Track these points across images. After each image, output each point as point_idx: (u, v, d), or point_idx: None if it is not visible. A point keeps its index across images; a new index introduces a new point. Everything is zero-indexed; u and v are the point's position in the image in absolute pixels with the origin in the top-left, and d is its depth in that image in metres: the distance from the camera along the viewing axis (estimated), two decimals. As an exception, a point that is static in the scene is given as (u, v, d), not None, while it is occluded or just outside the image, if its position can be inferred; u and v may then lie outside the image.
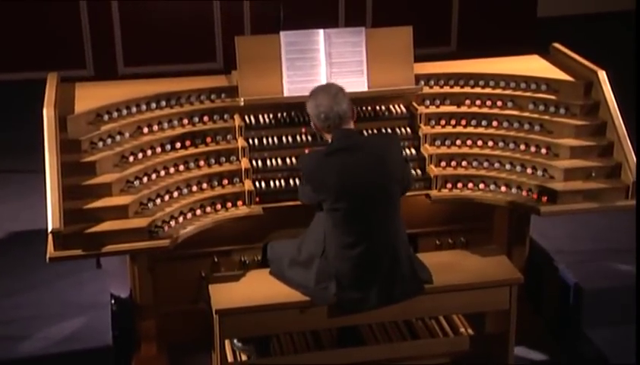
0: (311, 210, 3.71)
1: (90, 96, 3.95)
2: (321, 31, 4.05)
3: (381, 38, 4.10)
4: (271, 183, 3.92)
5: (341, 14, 7.81)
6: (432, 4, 7.98)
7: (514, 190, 3.92)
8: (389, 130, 4.09)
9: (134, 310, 4.02)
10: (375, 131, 4.09)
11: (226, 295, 3.66)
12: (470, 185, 3.99)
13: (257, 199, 3.87)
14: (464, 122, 4.14)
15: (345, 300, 3.59)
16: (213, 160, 3.93)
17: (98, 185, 3.63)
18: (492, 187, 3.96)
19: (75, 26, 7.39)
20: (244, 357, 3.93)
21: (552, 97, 4.13)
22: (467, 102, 4.21)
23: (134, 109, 3.93)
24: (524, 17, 8.24)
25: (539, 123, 4.06)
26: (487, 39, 7.75)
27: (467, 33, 8.07)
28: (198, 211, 3.78)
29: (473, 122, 4.15)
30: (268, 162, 3.98)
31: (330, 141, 3.60)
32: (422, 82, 4.21)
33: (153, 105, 3.97)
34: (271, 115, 4.06)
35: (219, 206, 3.83)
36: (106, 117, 3.85)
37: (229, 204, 3.84)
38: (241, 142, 3.97)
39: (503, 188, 3.94)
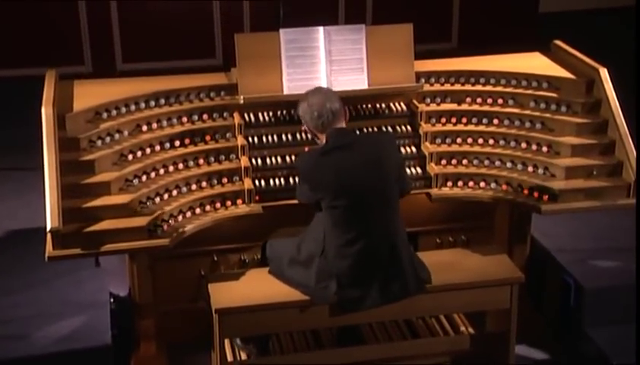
0: (311, 208, 3.70)
1: (88, 94, 3.93)
2: (321, 28, 4.03)
3: (381, 35, 4.08)
4: (271, 181, 3.91)
5: (341, 12, 7.79)
6: (432, 0, 7.96)
7: (515, 188, 3.90)
8: (389, 128, 4.08)
9: (133, 309, 4.01)
10: (376, 129, 4.07)
11: (225, 294, 3.64)
12: (471, 183, 3.97)
13: (257, 198, 3.85)
14: (464, 120, 4.12)
15: (345, 299, 3.58)
16: (212, 159, 3.91)
17: (97, 183, 3.62)
18: (492, 185, 3.95)
19: (74, 23, 7.37)
20: (244, 356, 3.91)
21: (554, 95, 4.11)
22: (468, 100, 4.19)
23: (133, 107, 3.91)
24: (525, 12, 8.22)
25: (540, 121, 4.04)
26: (488, 34, 7.74)
27: (468, 29, 8.06)
28: (198, 210, 3.77)
29: (474, 120, 4.13)
30: (268, 160, 3.96)
31: (324, 141, 3.59)
32: (423, 80, 4.18)
33: (153, 103, 3.95)
34: (271, 113, 4.04)
35: (218, 205, 3.81)
36: (104, 115, 3.83)
37: (228, 203, 3.83)
38: (240, 140, 3.95)
39: (504, 187, 3.92)
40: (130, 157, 3.77)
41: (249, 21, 7.59)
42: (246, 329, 3.67)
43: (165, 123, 3.93)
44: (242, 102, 3.99)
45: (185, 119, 3.97)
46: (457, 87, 4.22)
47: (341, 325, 3.86)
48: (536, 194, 3.83)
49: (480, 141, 4.07)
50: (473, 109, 4.15)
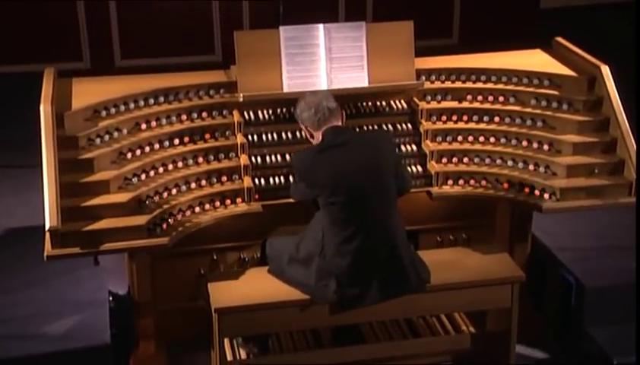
0: (309, 207, 3.68)
1: (87, 92, 3.91)
2: (321, 26, 4.01)
3: (381, 33, 4.06)
4: (271, 180, 3.89)
5: (341, 9, 7.76)
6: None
7: (516, 187, 3.88)
8: (390, 126, 4.06)
9: (132, 308, 4.00)
10: (376, 127, 4.05)
11: (225, 293, 3.63)
12: (472, 181, 3.95)
13: (256, 196, 3.84)
14: (465, 118, 4.10)
15: (345, 297, 3.57)
16: (212, 157, 3.89)
17: (96, 182, 3.60)
18: (493, 184, 3.93)
19: (72, 19, 7.35)
20: (244, 355, 3.90)
21: (555, 93, 4.09)
22: (469, 97, 4.16)
23: (132, 105, 3.89)
24: (526, 8, 8.19)
25: (541, 119, 4.02)
26: (489, 30, 7.72)
27: (469, 24, 8.03)
28: (197, 209, 3.75)
29: (475, 118, 4.11)
30: (268, 158, 3.94)
31: (320, 138, 3.59)
32: (424, 77, 4.16)
33: (152, 101, 3.93)
34: (271, 111, 4.02)
35: (218, 203, 3.79)
36: (103, 113, 3.81)
37: (228, 202, 3.81)
38: (240, 138, 3.93)
39: (505, 185, 3.91)
40: (129, 155, 3.75)
41: (248, 16, 7.57)
42: (246, 329, 3.66)
43: (164, 121, 3.91)
44: (241, 100, 3.97)
45: (184, 117, 3.94)
46: (458, 84, 4.20)
47: (337, 325, 3.85)
48: (537, 192, 3.82)
49: (481, 139, 4.05)
50: (474, 107, 4.13)
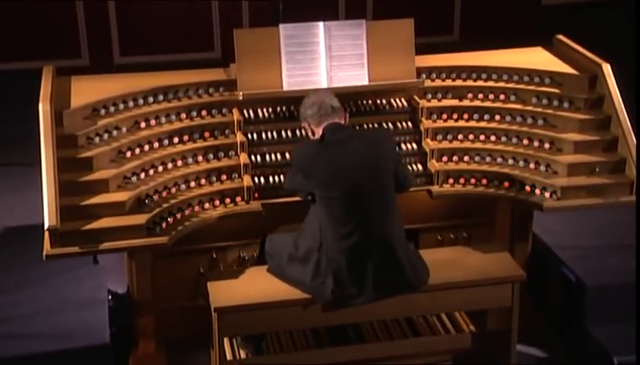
0: (303, 200, 3.68)
1: (86, 90, 3.90)
2: (320, 24, 3.99)
3: (382, 31, 4.05)
4: (271, 179, 3.88)
5: (341, 7, 7.74)
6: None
7: (516, 185, 3.87)
8: (390, 124, 4.04)
9: (131, 307, 3.98)
10: (376, 125, 4.04)
11: (224, 293, 3.62)
12: (473, 180, 3.94)
13: (256, 195, 3.83)
14: (466, 116, 4.09)
15: (342, 296, 3.56)
16: (211, 156, 3.88)
17: (95, 181, 3.59)
18: (494, 182, 3.91)
19: (71, 15, 7.33)
20: (243, 355, 3.89)
21: (556, 91, 4.08)
22: (470, 95, 4.15)
23: (131, 104, 3.87)
24: (527, 4, 8.17)
25: (542, 117, 4.01)
26: (490, 27, 7.70)
27: (470, 21, 8.02)
28: (197, 207, 3.74)
29: (476, 116, 4.10)
30: (267, 157, 3.93)
31: (321, 133, 3.59)
32: (424, 75, 4.15)
33: (151, 99, 3.92)
34: (270, 110, 4.00)
35: (217, 202, 3.78)
36: (102, 111, 3.80)
37: (227, 200, 3.80)
38: (240, 137, 3.92)
39: (506, 184, 3.89)
40: (128, 154, 3.73)
41: (248, 13, 7.55)
42: (245, 328, 3.65)
43: (164, 120, 3.90)
44: (241, 98, 3.95)
45: (183, 116, 3.93)
46: (459, 82, 4.19)
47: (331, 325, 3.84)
48: (538, 191, 3.81)
49: (482, 137, 4.04)
50: (475, 105, 4.12)
